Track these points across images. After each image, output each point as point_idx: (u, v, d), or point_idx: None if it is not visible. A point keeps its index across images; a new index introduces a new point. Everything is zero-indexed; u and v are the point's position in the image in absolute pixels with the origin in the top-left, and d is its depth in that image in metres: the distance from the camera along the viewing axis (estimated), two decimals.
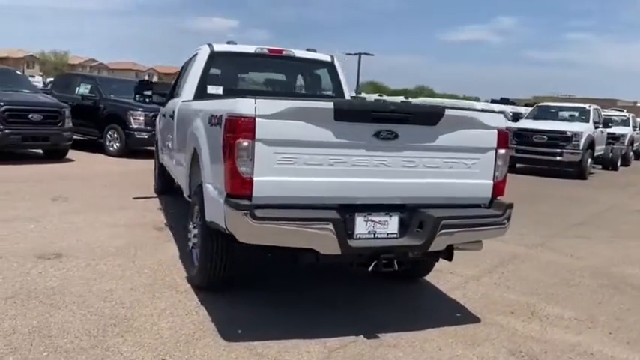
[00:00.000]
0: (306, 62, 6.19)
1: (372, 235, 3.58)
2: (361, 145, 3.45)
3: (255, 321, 3.81)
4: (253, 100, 3.22)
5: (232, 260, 4.00)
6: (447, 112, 3.59)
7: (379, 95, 38.04)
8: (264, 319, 3.84)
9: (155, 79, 76.46)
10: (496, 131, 3.81)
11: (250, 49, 5.87)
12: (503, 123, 3.87)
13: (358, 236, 3.54)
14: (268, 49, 5.90)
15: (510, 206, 3.83)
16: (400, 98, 35.34)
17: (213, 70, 5.77)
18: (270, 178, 3.29)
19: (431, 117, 3.58)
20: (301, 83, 6.50)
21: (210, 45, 5.78)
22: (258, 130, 3.22)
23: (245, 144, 3.21)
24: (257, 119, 3.21)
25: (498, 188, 3.89)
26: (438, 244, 3.62)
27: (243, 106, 3.22)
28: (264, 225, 3.20)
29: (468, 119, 3.72)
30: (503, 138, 3.85)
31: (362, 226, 3.56)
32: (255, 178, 3.26)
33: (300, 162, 3.34)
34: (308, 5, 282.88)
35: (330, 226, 3.28)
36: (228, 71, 5.91)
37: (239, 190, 3.26)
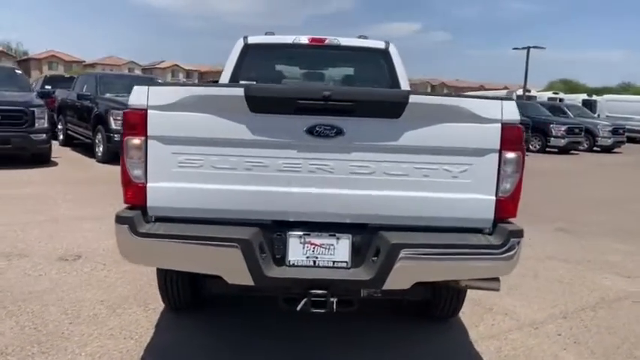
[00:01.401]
0: (354, 51, 5.34)
1: (312, 263, 2.72)
2: (290, 144, 2.63)
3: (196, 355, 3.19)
4: (147, 87, 2.61)
5: (192, 282, 3.43)
6: (413, 98, 2.59)
7: (554, 94, 34.41)
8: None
9: None
10: (499, 125, 2.68)
11: (288, 39, 5.23)
12: (514, 114, 2.71)
13: (292, 263, 2.71)
14: (309, 39, 5.21)
15: (517, 233, 2.66)
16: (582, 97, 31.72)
17: (247, 64, 5.25)
18: (169, 184, 2.64)
19: (388, 106, 2.61)
20: (350, 75, 5.67)
21: (245, 37, 5.28)
22: (150, 124, 2.59)
23: (135, 142, 2.61)
24: (149, 111, 2.59)
25: (505, 207, 2.73)
26: (397, 281, 2.63)
27: (135, 94, 2.62)
28: (149, 243, 2.56)
29: (451, 108, 2.64)
30: (513, 135, 2.69)
31: (297, 249, 2.72)
32: (148, 184, 2.63)
33: (207, 165, 2.64)
34: (492, 2, 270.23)
35: (237, 250, 2.52)
36: (264, 65, 5.34)
37: (132, 198, 2.67)
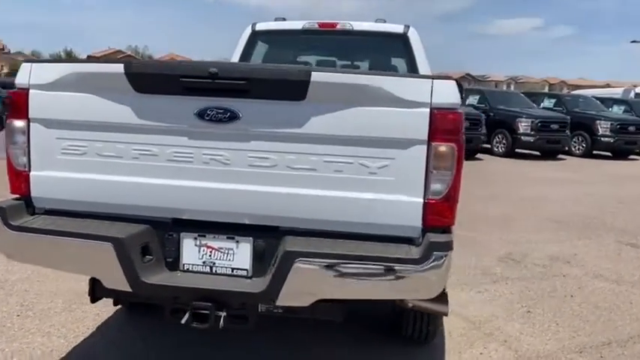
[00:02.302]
0: (369, 36, 4.83)
1: (209, 269, 2.35)
2: (179, 130, 2.28)
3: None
4: (31, 64, 2.39)
5: None
6: (315, 76, 2.12)
7: None
8: None
9: None
10: (427, 110, 2.13)
11: (298, 25, 4.85)
12: (450, 96, 2.15)
13: (186, 268, 2.36)
14: (319, 24, 4.79)
15: (442, 246, 2.11)
16: None
17: (254, 52, 4.93)
18: (54, 173, 2.39)
19: (287, 85, 2.16)
20: (365, 62, 5.15)
21: (253, 24, 4.97)
22: (32, 105, 2.35)
23: (17, 125, 2.38)
24: (31, 91, 2.35)
25: (437, 212, 2.19)
26: (293, 296, 2.18)
27: (21, 72, 2.39)
28: (21, 237, 2.31)
29: (364, 88, 2.13)
30: (447, 123, 2.14)
31: (192, 253, 2.36)
32: (32, 173, 2.40)
33: (91, 152, 2.35)
34: None
35: (110, 249, 2.21)
36: (272, 53, 4.98)
37: (17, 188, 2.44)
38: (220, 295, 2.23)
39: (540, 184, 10.32)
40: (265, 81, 2.17)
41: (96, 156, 2.35)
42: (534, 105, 17.62)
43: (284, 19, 4.98)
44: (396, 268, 2.09)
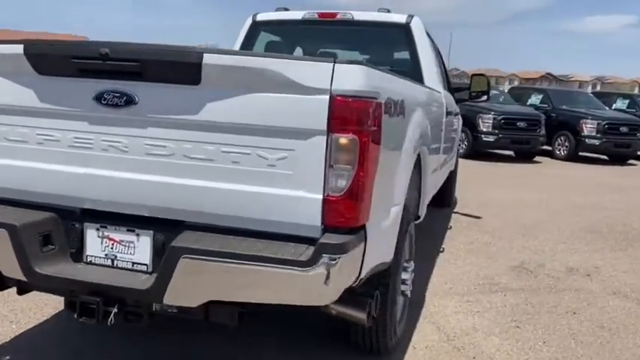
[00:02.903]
0: (370, 26, 4.58)
1: (111, 263, 2.24)
2: (79, 114, 2.18)
3: None
4: None
5: None
6: (208, 58, 1.95)
7: None
8: None
9: (515, 84, 73.35)
10: (327, 97, 1.91)
11: (298, 15, 4.68)
12: (354, 83, 1.91)
13: (90, 260, 2.26)
14: (318, 14, 4.60)
15: (331, 248, 1.88)
16: None
17: (254, 43, 4.81)
18: None
19: (180, 68, 2.00)
20: (365, 54, 4.88)
21: (255, 14, 4.85)
22: None
23: None
24: None
25: (339, 210, 1.96)
26: (180, 295, 2.03)
27: None
28: None
29: (260, 72, 1.93)
30: (349, 111, 1.91)
31: (95, 244, 2.25)
32: None
33: None
34: None
35: (5, 236, 2.14)
36: (272, 44, 4.83)
37: None
38: (110, 291, 2.12)
39: (595, 190, 9.58)
40: (157, 63, 2.02)
41: (3, 140, 2.29)
42: (604, 106, 16.43)
43: (286, 9, 4.82)
44: (282, 270, 1.89)
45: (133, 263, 2.20)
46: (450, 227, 6.14)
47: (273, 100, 1.95)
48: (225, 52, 2.01)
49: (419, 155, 3.14)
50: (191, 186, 2.08)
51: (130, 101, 2.08)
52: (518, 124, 13.56)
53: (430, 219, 6.42)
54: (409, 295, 3.16)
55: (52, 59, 2.14)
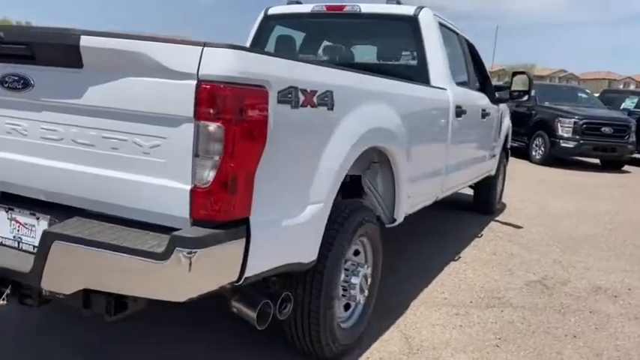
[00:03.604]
0: (378, 19, 4.36)
1: (17, 245, 2.27)
2: None
3: None
4: None
5: None
6: (85, 40, 1.91)
7: None
8: None
9: (632, 87, 68.13)
10: (194, 83, 1.80)
11: (307, 8, 4.58)
12: (225, 68, 1.79)
13: (1, 241, 2.31)
14: (326, 7, 4.47)
15: (189, 242, 1.77)
16: None
17: (264, 38, 4.76)
18: None
19: (61, 50, 1.97)
20: (373, 49, 4.63)
21: (267, 8, 4.81)
22: None
23: None
24: None
25: (204, 202, 1.84)
26: (55, 281, 2.00)
27: None
28: None
29: (133, 56, 1.86)
30: (217, 98, 1.79)
31: (5, 226, 2.30)
32: None
33: None
34: None
35: None
36: (281, 39, 4.73)
37: None
38: (1, 272, 2.14)
39: None
40: (43, 45, 2.02)
41: None
42: None
43: (298, 2, 4.73)
44: (139, 261, 1.81)
45: (34, 246, 2.21)
46: (481, 235, 5.76)
47: (147, 85, 1.89)
48: (102, 34, 1.96)
49: (383, 153, 2.95)
50: (77, 172, 2.06)
51: (26, 84, 2.09)
52: (602, 129, 12.48)
53: (460, 225, 6.10)
54: (362, 301, 2.97)
55: None
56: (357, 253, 2.98)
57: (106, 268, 1.89)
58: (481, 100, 5.15)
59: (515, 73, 5.82)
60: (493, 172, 6.33)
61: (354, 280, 2.83)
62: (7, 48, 2.05)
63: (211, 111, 1.80)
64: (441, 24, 4.35)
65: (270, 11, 4.76)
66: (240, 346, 2.95)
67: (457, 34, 4.89)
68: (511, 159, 7.65)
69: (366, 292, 2.98)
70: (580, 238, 6.00)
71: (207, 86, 1.79)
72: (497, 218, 6.66)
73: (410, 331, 3.30)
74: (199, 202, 1.85)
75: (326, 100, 2.30)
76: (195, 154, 1.83)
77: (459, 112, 4.23)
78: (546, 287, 4.31)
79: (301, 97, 2.13)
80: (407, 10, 4.19)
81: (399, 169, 3.16)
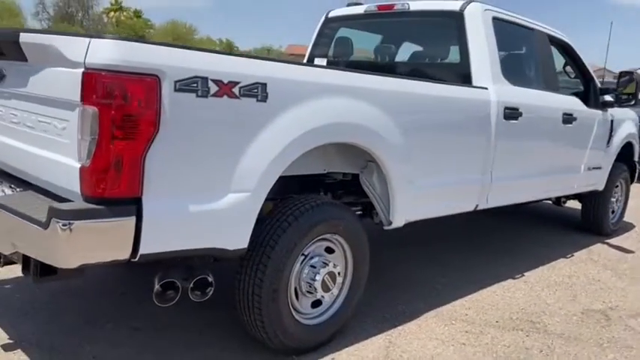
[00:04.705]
0: (424, 16, 4.15)
1: None
2: None
3: None
4: None
5: None
6: (23, 37, 2.22)
7: None
8: None
9: None
10: (81, 71, 1.99)
11: (362, 9, 4.55)
12: (106, 57, 1.95)
13: None
14: (378, 6, 4.40)
15: (62, 214, 1.95)
16: None
17: (324, 40, 4.83)
18: None
19: (12, 47, 2.29)
20: (423, 44, 4.34)
21: (328, 11, 4.88)
22: None
23: None
24: None
25: (85, 179, 2.01)
26: None
27: None
28: None
29: (49, 49, 2.11)
30: (96, 84, 1.95)
31: None
32: None
33: None
34: None
35: None
36: (338, 40, 4.72)
37: None
38: None
39: None
40: (4, 43, 2.37)
41: None
42: None
43: (358, 4, 4.74)
44: (28, 227, 2.06)
45: None
46: (570, 256, 5.14)
47: (57, 73, 2.14)
48: (33, 31, 2.25)
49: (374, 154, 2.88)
50: (19, 148, 2.41)
51: (2, 77, 2.48)
52: None
53: (551, 243, 5.49)
54: (331, 299, 2.92)
55: None
56: (330, 250, 2.93)
57: (8, 229, 2.17)
58: (563, 102, 4.62)
59: (623, 74, 5.11)
60: (600, 187, 5.60)
61: (317, 277, 2.80)
62: None
63: (92, 96, 1.97)
64: (499, 19, 4.02)
65: (331, 14, 4.83)
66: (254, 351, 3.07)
67: (531, 29, 4.46)
68: None
69: (334, 291, 2.91)
70: None
71: (89, 73, 1.97)
72: (609, 240, 5.87)
73: (399, 340, 3.13)
74: (83, 179, 2.03)
75: (254, 91, 2.33)
76: (80, 136, 2.02)
77: (512, 114, 3.87)
78: (606, 318, 3.73)
79: (213, 87, 2.20)
80: (453, 5, 3.95)
81: (389, 170, 3.03)
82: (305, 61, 4.90)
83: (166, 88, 2.07)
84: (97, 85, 1.96)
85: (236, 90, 2.28)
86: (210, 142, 2.26)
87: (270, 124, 2.42)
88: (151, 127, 2.05)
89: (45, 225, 1.99)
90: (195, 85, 2.15)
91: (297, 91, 2.52)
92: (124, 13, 57.76)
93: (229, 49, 59.20)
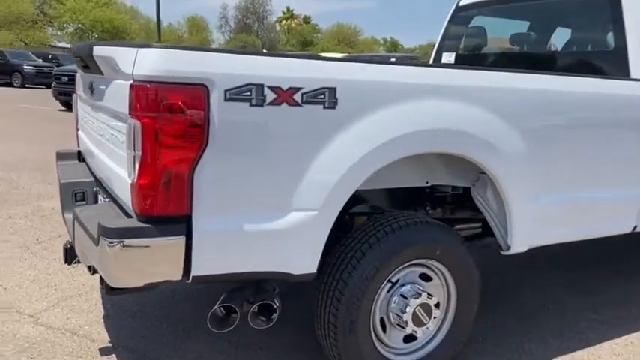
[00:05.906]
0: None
1: None
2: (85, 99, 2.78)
3: None
4: None
5: None
6: (97, 50, 2.21)
7: None
8: None
9: None
10: (129, 83, 1.88)
11: None
12: (150, 68, 1.82)
13: None
14: None
15: (111, 232, 1.89)
16: None
17: (453, 30, 4.35)
18: None
19: (90, 61, 2.30)
20: (568, 28, 3.59)
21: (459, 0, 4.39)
22: None
23: None
24: None
25: (136, 195, 1.90)
26: None
27: None
28: None
29: (110, 60, 2.05)
30: (140, 97, 1.83)
31: None
32: None
33: None
34: None
35: None
36: (476, 30, 4.17)
37: None
38: None
39: None
40: (85, 57, 2.39)
41: None
42: None
43: None
44: (88, 239, 2.04)
45: None
46: None
47: (118, 86, 2.08)
48: (105, 44, 2.23)
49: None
50: (102, 161, 2.44)
51: (92, 89, 2.54)
52: None
53: None
54: (424, 334, 2.54)
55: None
56: (427, 277, 2.55)
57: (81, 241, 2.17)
58: None
59: None
60: None
61: (408, 309, 2.44)
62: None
63: (137, 109, 1.87)
64: None
65: (462, 2, 4.34)
66: None
67: None
68: None
69: (430, 326, 2.52)
70: None
71: (136, 85, 1.87)
72: None
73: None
74: (132, 195, 1.94)
75: (320, 97, 2.06)
76: (129, 151, 1.93)
77: None
78: None
79: (270, 95, 1.98)
80: None
81: (504, 185, 2.54)
82: (432, 57, 4.48)
83: (215, 98, 1.89)
84: (141, 97, 1.85)
85: (297, 97, 2.02)
86: (267, 155, 2.04)
87: (341, 134, 2.12)
88: (199, 141, 1.89)
89: (96, 242, 1.94)
90: (248, 93, 1.94)
91: (373, 96, 2.19)
92: (295, 21, 60.85)
93: (394, 48, 59.20)
